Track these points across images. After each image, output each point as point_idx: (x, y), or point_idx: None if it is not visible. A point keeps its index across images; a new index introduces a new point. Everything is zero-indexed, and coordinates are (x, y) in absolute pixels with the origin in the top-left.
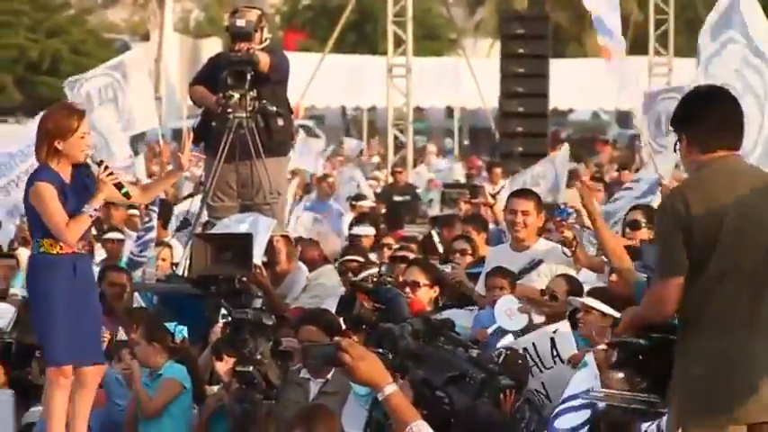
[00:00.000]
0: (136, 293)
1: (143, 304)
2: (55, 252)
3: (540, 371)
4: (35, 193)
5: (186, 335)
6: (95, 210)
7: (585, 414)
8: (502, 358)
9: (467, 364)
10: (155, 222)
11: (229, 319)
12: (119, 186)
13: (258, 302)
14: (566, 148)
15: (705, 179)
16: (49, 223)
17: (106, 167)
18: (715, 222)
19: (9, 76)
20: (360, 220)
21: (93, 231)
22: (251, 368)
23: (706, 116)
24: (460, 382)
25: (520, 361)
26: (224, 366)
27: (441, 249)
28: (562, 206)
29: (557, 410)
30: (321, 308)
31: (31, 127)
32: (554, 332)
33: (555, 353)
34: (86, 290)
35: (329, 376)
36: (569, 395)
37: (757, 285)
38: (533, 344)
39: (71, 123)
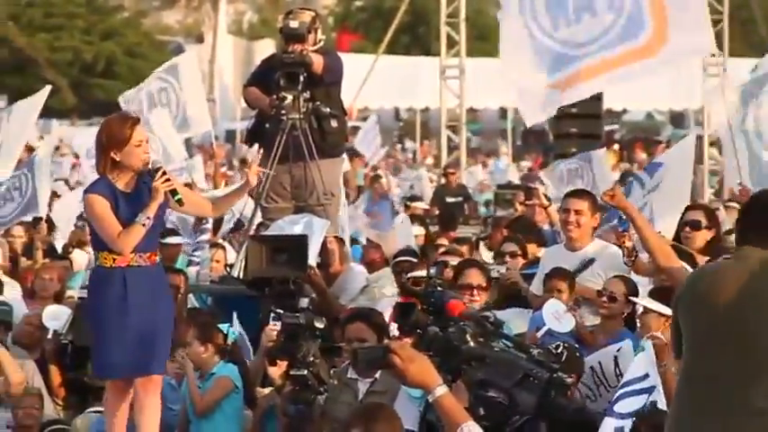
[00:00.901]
0: (190, 294)
1: (197, 305)
2: (108, 265)
3: (607, 390)
4: (86, 207)
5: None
6: (149, 218)
7: (643, 399)
8: (564, 354)
9: (530, 364)
10: (210, 224)
11: (280, 323)
12: (173, 193)
13: (305, 302)
14: (602, 151)
15: (708, 269)
16: (101, 235)
17: (163, 173)
18: (693, 310)
19: (64, 79)
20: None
21: None
22: (305, 372)
23: (742, 217)
24: (525, 381)
25: (578, 354)
26: (277, 371)
27: (488, 257)
28: (624, 217)
29: (617, 395)
30: (369, 307)
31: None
32: (617, 351)
33: (618, 372)
34: (143, 302)
35: (377, 375)
36: (628, 380)
37: (725, 378)
38: (599, 363)
39: (124, 133)
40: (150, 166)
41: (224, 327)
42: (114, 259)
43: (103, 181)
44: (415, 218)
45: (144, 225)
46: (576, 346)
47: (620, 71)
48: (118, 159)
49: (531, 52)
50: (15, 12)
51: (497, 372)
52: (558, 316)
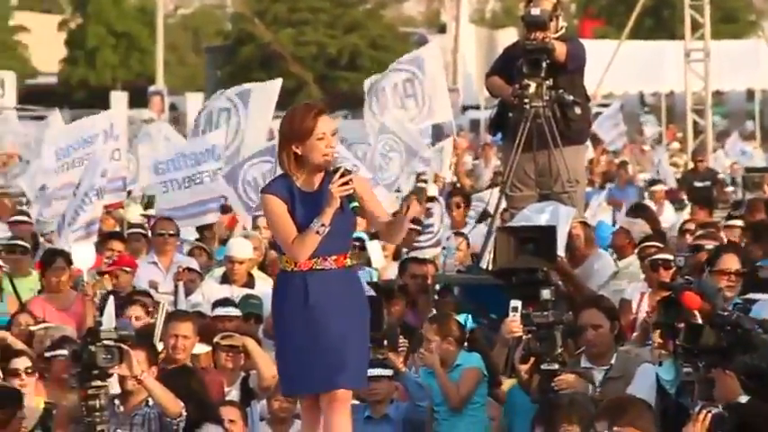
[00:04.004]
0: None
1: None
2: (289, 269)
3: None
4: (262, 207)
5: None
6: (323, 225)
7: None
8: None
9: None
10: (436, 212)
11: (518, 314)
12: (350, 199)
13: (547, 293)
14: None
15: None
16: (276, 238)
17: (342, 175)
18: None
19: (309, 73)
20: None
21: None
22: (557, 366)
23: None
24: None
25: None
26: (524, 366)
27: None
28: None
29: None
30: (601, 294)
31: None
32: None
33: None
34: (328, 311)
35: (612, 362)
36: None
37: None
38: None
39: (307, 124)
40: (331, 166)
41: (461, 318)
42: (296, 263)
43: (282, 178)
44: (655, 201)
45: (318, 233)
46: None
47: None
48: (300, 153)
49: None
50: (261, 8)
51: (764, 357)
52: None
